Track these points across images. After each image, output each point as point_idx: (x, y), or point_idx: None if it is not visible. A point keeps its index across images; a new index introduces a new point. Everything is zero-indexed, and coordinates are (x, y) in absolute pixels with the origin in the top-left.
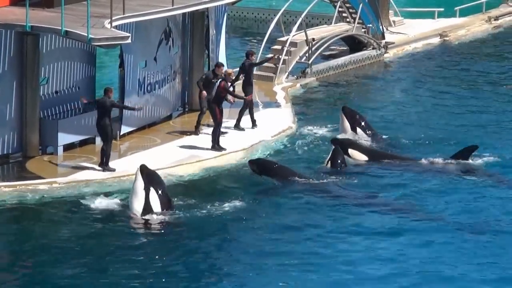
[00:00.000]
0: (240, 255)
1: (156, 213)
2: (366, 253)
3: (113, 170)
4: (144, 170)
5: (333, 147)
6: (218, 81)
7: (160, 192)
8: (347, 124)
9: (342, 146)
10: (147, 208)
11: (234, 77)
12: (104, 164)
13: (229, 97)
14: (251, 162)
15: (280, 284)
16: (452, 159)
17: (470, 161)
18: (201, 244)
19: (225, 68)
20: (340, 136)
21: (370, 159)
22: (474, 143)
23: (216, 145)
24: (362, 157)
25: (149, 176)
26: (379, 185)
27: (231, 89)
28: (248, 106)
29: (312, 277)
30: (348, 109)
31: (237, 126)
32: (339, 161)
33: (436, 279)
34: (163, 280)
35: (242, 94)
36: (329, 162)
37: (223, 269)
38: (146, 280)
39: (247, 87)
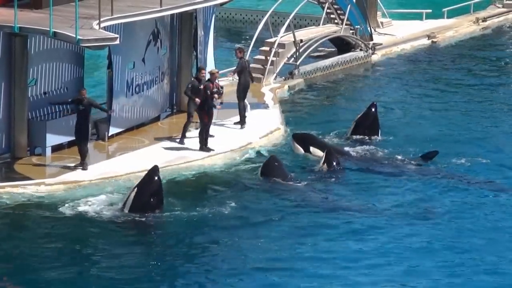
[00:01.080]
0: (226, 256)
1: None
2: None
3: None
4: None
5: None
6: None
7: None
8: (299, 149)
9: (303, 142)
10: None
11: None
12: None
13: (216, 100)
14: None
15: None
16: (411, 160)
17: (427, 163)
18: (187, 244)
19: (208, 69)
20: (300, 132)
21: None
22: (453, 143)
23: (204, 146)
24: (320, 153)
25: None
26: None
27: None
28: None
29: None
30: (298, 135)
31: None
32: (333, 163)
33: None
34: (150, 281)
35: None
36: (324, 164)
37: (210, 271)
38: (131, 280)
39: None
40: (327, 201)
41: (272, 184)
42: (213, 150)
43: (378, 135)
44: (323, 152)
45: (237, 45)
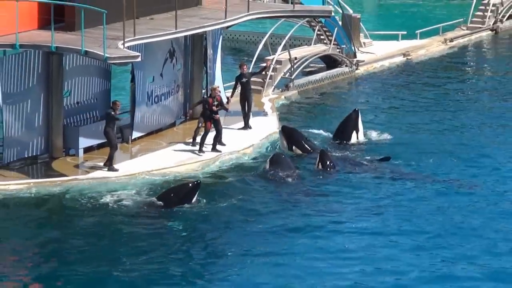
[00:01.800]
0: (233, 242)
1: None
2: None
3: (117, 170)
4: None
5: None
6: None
7: None
8: (284, 143)
9: (290, 137)
10: None
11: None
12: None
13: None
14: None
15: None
16: (367, 161)
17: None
18: (203, 236)
19: (216, 82)
20: (288, 126)
21: (306, 153)
22: (423, 145)
23: (200, 149)
24: (299, 151)
25: None
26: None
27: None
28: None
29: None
30: (286, 128)
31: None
32: (327, 163)
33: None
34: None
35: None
36: (319, 164)
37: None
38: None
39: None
40: (314, 199)
41: (272, 179)
42: (204, 152)
43: (357, 139)
44: (302, 151)
45: (242, 60)
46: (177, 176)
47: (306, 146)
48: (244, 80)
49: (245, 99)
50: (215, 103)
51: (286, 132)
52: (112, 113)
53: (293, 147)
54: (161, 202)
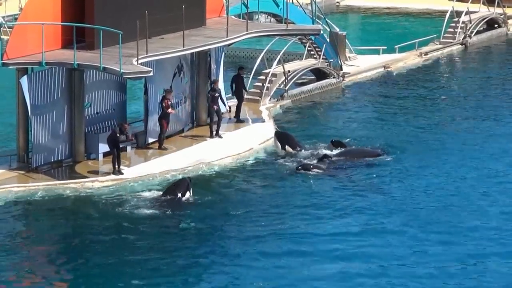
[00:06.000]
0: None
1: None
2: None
3: (122, 173)
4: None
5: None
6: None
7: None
8: (278, 145)
9: (281, 138)
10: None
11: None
12: (116, 169)
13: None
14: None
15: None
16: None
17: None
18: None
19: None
20: (279, 130)
21: (295, 150)
22: (400, 143)
23: (162, 146)
24: (290, 149)
25: None
26: None
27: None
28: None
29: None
30: (278, 132)
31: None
32: (325, 160)
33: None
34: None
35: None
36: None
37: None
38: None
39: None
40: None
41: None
42: (166, 149)
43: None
44: (294, 150)
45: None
46: (185, 177)
47: (295, 145)
48: (216, 94)
49: (214, 111)
50: (169, 102)
51: (279, 135)
52: (118, 134)
53: (286, 146)
54: (165, 197)
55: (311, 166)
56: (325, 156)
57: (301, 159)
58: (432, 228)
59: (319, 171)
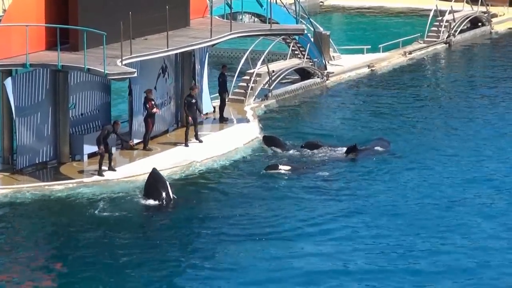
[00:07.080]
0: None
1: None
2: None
3: (115, 170)
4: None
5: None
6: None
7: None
8: (266, 147)
9: (269, 143)
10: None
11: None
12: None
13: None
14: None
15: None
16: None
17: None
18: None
19: (204, 94)
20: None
21: (283, 150)
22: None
23: (147, 146)
24: (278, 150)
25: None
26: None
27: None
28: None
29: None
30: (265, 137)
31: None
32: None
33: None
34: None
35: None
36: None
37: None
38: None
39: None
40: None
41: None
42: (151, 149)
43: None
44: (282, 151)
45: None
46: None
47: (282, 145)
48: (193, 101)
49: (191, 116)
50: (153, 102)
51: (266, 138)
52: (110, 132)
53: (273, 148)
54: (148, 197)
55: (278, 167)
56: (353, 149)
57: (285, 158)
58: (420, 231)
59: (286, 170)
